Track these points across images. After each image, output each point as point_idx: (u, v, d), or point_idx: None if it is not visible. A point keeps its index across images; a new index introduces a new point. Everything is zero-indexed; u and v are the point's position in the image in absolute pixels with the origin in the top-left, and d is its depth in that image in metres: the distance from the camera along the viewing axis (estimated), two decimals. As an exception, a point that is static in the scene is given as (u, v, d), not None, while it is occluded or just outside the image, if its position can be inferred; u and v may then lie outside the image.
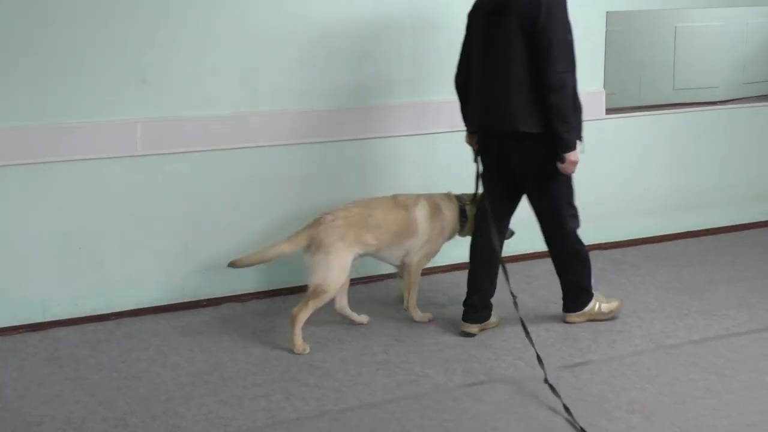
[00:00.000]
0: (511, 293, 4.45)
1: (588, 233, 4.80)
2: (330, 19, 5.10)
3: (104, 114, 4.71)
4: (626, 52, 6.11)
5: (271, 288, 5.22)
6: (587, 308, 4.77)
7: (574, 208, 4.59)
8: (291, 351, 4.42)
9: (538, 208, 4.60)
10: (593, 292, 4.79)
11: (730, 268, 5.54)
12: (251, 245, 4.89)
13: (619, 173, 5.93)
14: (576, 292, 4.76)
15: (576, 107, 4.31)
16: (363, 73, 5.23)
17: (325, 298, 4.47)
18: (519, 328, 4.31)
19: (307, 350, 4.42)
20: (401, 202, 4.74)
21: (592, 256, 4.76)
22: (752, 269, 5.54)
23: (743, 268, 5.58)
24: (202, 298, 5.08)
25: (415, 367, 4.26)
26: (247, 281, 5.14)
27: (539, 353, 4.11)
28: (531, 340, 4.20)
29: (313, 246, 4.46)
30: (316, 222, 4.54)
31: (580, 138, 4.36)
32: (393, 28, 5.24)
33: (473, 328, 4.64)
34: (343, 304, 4.74)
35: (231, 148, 5.00)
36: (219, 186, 5.04)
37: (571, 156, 4.31)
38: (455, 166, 5.07)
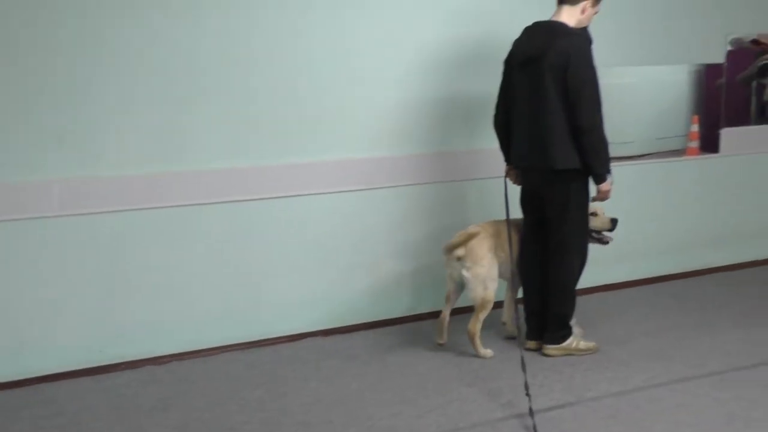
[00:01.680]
0: (518, 328, 5.00)
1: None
2: (250, 73, 5.13)
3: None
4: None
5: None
6: (566, 343, 5.10)
7: (583, 247, 5.06)
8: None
9: (554, 237, 4.99)
10: (572, 329, 5.13)
11: (647, 320, 5.63)
12: (170, 307, 4.85)
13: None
14: (559, 326, 5.07)
15: (605, 143, 4.78)
16: (291, 128, 5.27)
17: (489, 307, 5.07)
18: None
19: (490, 354, 5.09)
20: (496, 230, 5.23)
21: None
22: (669, 321, 5.63)
23: (660, 319, 5.67)
24: (123, 360, 5.01)
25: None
26: (168, 343, 5.10)
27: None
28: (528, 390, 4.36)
29: (469, 259, 4.98)
30: (469, 235, 5.01)
31: (609, 171, 4.86)
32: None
33: (531, 344, 5.17)
34: (447, 313, 5.26)
35: (143, 209, 4.98)
36: (135, 248, 5.01)
37: (603, 186, 4.88)
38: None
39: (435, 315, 5.72)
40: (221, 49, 5.02)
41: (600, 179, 4.86)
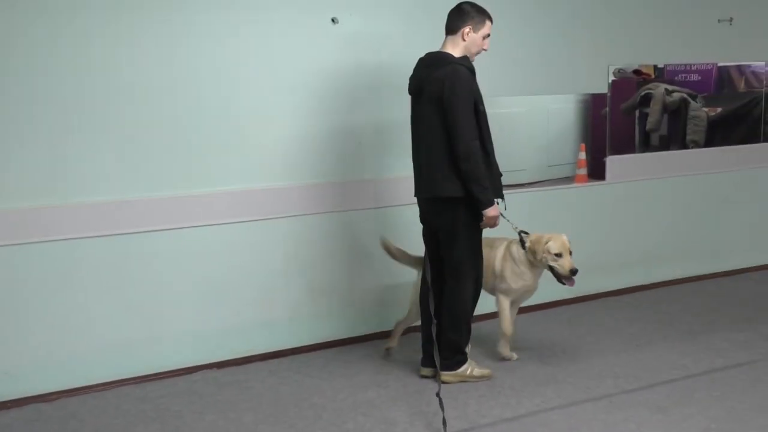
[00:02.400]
0: (430, 356, 5.06)
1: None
2: (141, 103, 5.07)
3: None
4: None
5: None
6: (461, 369, 5.14)
7: (475, 272, 5.05)
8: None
9: (447, 264, 5.05)
10: (467, 358, 5.18)
11: (540, 346, 5.72)
12: (59, 342, 4.74)
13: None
14: (453, 352, 5.10)
15: (482, 169, 4.78)
16: (182, 160, 5.21)
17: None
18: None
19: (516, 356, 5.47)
20: (489, 242, 5.39)
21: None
22: (560, 346, 5.74)
23: (552, 344, 5.77)
24: (8, 399, 4.88)
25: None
26: (57, 380, 4.96)
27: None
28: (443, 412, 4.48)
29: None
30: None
31: (500, 197, 4.96)
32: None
33: (425, 371, 5.24)
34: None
35: (31, 242, 4.88)
36: (24, 282, 4.88)
37: (488, 212, 4.85)
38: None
39: (329, 345, 5.76)
40: (110, 79, 4.96)
41: (483, 205, 4.83)
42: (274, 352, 5.60)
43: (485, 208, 4.84)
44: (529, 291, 5.45)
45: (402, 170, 5.70)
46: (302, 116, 5.56)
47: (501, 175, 5.06)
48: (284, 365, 5.47)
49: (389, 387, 5.10)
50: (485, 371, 5.20)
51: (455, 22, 4.90)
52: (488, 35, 4.95)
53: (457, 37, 4.90)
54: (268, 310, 5.59)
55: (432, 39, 5.05)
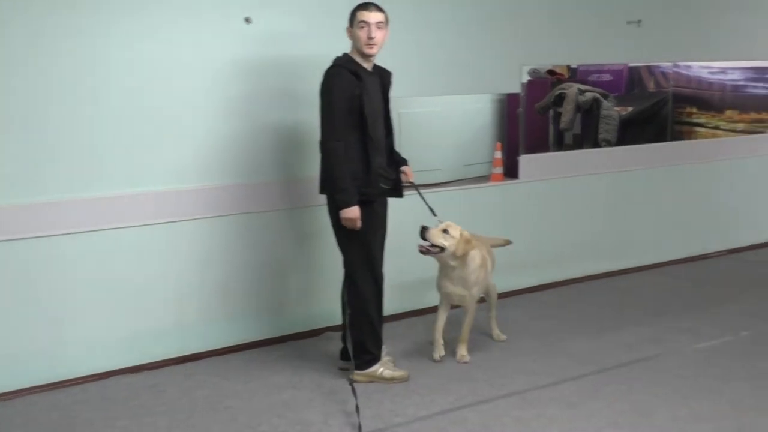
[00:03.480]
0: (347, 350, 5.08)
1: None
2: (47, 102, 4.98)
3: None
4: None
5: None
6: (370, 370, 5.15)
7: (371, 273, 5.04)
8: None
9: (343, 263, 5.09)
10: (382, 357, 5.19)
11: (453, 344, 5.73)
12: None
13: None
14: (359, 351, 5.12)
15: (339, 170, 4.82)
16: (91, 161, 5.14)
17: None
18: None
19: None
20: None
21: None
22: (473, 344, 5.75)
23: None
24: None
25: None
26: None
27: None
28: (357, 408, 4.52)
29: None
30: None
31: (348, 199, 4.84)
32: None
33: (341, 363, 5.35)
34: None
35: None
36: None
37: (344, 213, 4.87)
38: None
39: (245, 347, 5.74)
40: (11, 78, 4.86)
41: (338, 205, 4.88)
42: (189, 356, 5.55)
43: (341, 209, 4.87)
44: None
45: (316, 170, 5.71)
46: (215, 117, 5.52)
47: (395, 177, 5.12)
48: (200, 368, 5.43)
49: (305, 388, 5.10)
50: (398, 373, 5.19)
51: None
52: (365, 23, 4.89)
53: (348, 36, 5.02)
54: (183, 313, 5.54)
55: (347, 41, 5.07)
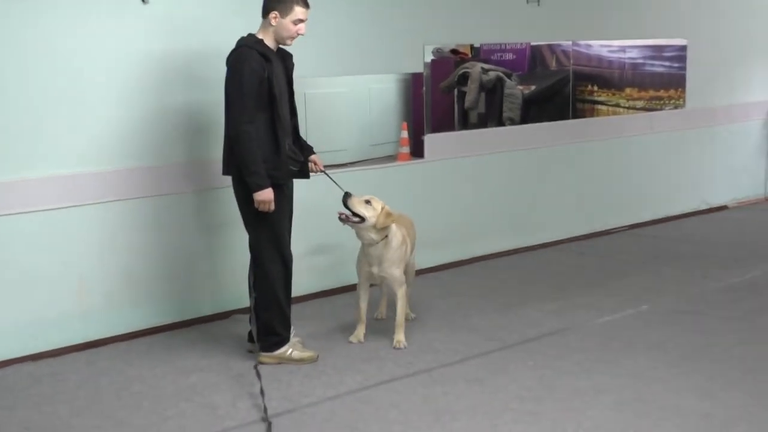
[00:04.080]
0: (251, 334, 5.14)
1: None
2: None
3: None
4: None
5: None
6: (279, 351, 5.13)
7: (279, 254, 5.00)
8: None
9: (249, 244, 5.07)
10: (290, 338, 5.17)
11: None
12: None
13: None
14: (267, 334, 5.09)
15: (250, 153, 4.78)
16: None
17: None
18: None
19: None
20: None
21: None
22: (382, 323, 5.81)
23: (373, 322, 5.81)
24: None
25: None
26: None
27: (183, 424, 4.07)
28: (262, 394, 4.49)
29: None
30: None
31: (260, 182, 4.80)
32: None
33: (249, 346, 5.33)
34: None
35: None
36: None
37: (257, 196, 4.83)
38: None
39: (150, 332, 5.67)
40: None
41: (251, 188, 4.84)
42: (92, 342, 5.45)
43: (254, 192, 4.83)
44: None
45: (218, 152, 5.65)
46: (117, 100, 5.43)
47: (303, 160, 5.11)
48: (103, 355, 5.34)
49: (212, 371, 5.06)
50: (307, 354, 5.19)
51: (265, 6, 4.93)
52: (300, 20, 4.92)
53: (267, 21, 4.92)
54: (85, 299, 5.43)
55: (248, 22, 5.02)
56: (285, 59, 5.10)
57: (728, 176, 9.40)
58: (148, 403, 4.64)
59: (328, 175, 5.33)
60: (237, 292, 5.85)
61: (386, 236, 5.32)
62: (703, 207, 9.19)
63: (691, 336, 5.48)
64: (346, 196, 5.19)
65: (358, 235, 5.33)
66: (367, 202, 5.24)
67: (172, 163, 5.65)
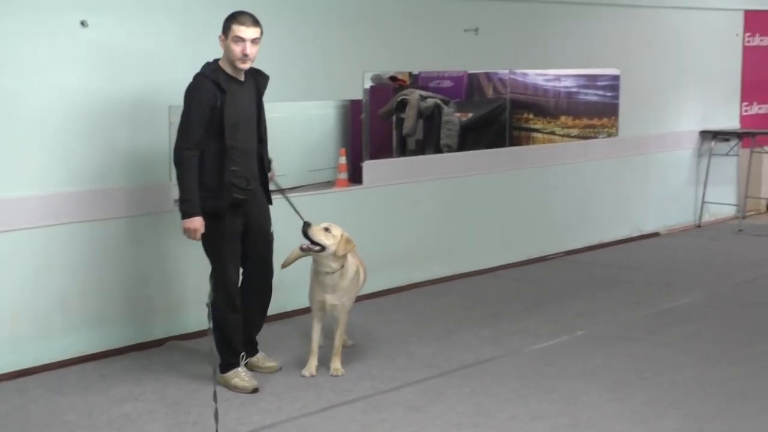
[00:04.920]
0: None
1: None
2: None
3: None
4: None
5: None
6: (226, 375, 5.15)
7: (221, 283, 5.02)
8: None
9: None
10: (238, 365, 5.15)
11: (301, 351, 5.73)
12: None
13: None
14: (220, 354, 5.15)
15: (183, 180, 4.87)
16: None
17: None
18: None
19: None
20: None
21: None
22: (320, 351, 5.77)
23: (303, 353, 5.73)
24: None
25: None
26: None
27: None
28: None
29: None
30: None
31: (189, 210, 4.86)
32: None
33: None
34: None
35: None
36: None
37: (183, 223, 4.91)
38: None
39: (83, 360, 5.58)
40: None
41: (182, 214, 4.92)
42: (23, 370, 5.32)
43: (182, 219, 4.91)
44: None
45: (155, 178, 5.63)
46: (50, 123, 5.36)
47: (252, 188, 5.07)
48: (34, 383, 5.23)
49: (147, 399, 4.99)
50: (247, 384, 5.11)
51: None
52: (240, 39, 4.90)
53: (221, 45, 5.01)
54: (17, 326, 5.32)
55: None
56: (257, 80, 5.15)
57: (660, 203, 9.57)
58: (79, 432, 4.57)
59: (288, 201, 5.38)
60: (172, 318, 5.79)
61: (343, 265, 5.32)
62: (636, 234, 9.33)
63: (625, 361, 5.56)
64: (306, 225, 5.20)
65: (317, 263, 5.31)
66: (326, 229, 5.25)
67: (107, 188, 5.59)
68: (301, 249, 5.25)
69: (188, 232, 4.89)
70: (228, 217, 5.00)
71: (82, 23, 5.39)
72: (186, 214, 4.87)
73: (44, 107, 5.32)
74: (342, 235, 5.27)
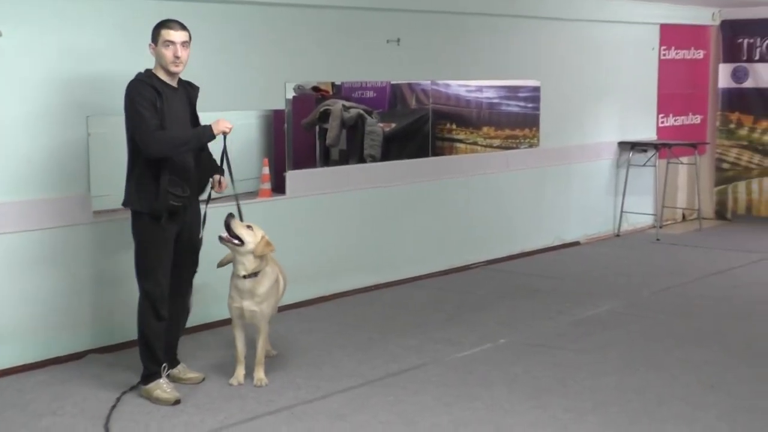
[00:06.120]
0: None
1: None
2: None
3: None
4: (112, 153, 6.15)
5: None
6: (148, 386, 5.09)
7: (143, 288, 5.02)
8: None
9: None
10: (159, 376, 5.10)
11: (223, 361, 5.70)
12: None
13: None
14: (143, 364, 5.10)
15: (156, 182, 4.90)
16: None
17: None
18: None
19: None
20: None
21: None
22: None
23: (234, 360, 5.71)
24: None
25: None
26: None
27: None
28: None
29: None
30: None
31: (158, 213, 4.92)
32: None
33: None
34: None
35: None
36: None
37: (216, 127, 5.04)
38: None
39: (17, 370, 5.47)
40: None
41: (207, 134, 5.07)
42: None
43: (213, 133, 5.07)
44: None
45: (73, 189, 5.53)
46: (7, 132, 5.33)
47: (188, 195, 5.09)
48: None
49: (66, 414, 4.90)
50: (169, 396, 5.06)
51: None
52: (170, 42, 4.91)
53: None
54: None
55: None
56: (188, 91, 5.17)
57: (581, 213, 9.74)
58: (-2, 448, 4.47)
59: (236, 198, 5.40)
60: (92, 331, 5.70)
61: (259, 271, 5.28)
62: (557, 243, 9.48)
63: (547, 369, 5.64)
64: (230, 216, 5.20)
65: (235, 265, 5.29)
66: (249, 227, 5.23)
67: (24, 201, 5.49)
68: (220, 238, 5.21)
69: (223, 126, 5.05)
70: (164, 220, 4.98)
71: None
72: (207, 130, 5.02)
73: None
74: (263, 237, 5.27)
